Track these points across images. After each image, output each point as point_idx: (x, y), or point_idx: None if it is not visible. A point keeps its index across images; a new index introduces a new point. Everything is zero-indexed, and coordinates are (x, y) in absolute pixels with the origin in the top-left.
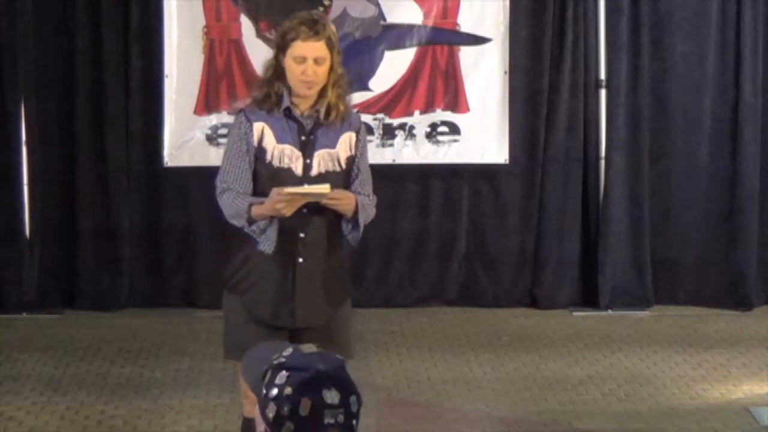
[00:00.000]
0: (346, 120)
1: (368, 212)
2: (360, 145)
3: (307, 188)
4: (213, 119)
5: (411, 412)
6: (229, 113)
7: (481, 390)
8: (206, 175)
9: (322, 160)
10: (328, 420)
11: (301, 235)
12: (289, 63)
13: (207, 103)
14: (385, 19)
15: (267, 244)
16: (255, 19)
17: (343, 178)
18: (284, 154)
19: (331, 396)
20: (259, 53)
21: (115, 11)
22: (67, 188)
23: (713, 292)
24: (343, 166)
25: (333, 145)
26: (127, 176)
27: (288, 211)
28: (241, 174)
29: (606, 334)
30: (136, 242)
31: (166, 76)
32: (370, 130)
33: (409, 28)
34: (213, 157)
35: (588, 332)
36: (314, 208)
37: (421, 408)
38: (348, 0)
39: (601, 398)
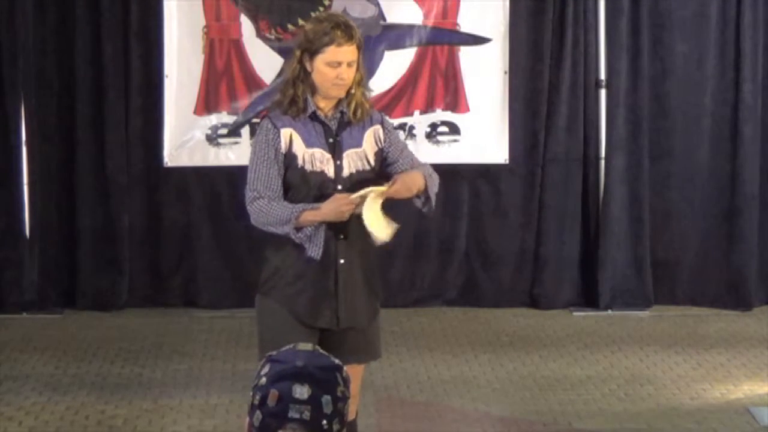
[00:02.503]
0: (367, 117)
1: (434, 180)
2: (388, 133)
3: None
4: (213, 119)
5: (411, 412)
6: (229, 113)
7: (481, 390)
8: (206, 175)
9: (351, 161)
10: (293, 414)
11: (341, 236)
12: (320, 67)
13: (207, 103)
14: (385, 19)
15: (315, 250)
16: (255, 19)
17: (373, 176)
18: (315, 158)
19: (301, 391)
20: (259, 53)
21: (115, 11)
22: (67, 188)
23: (713, 292)
24: (372, 163)
25: (359, 144)
26: (127, 176)
27: (349, 214)
28: (270, 181)
29: (606, 334)
30: (136, 242)
31: (166, 76)
32: None
33: (409, 28)
34: (213, 157)
35: (588, 332)
36: None
37: (421, 408)
38: (348, 0)
39: (601, 398)
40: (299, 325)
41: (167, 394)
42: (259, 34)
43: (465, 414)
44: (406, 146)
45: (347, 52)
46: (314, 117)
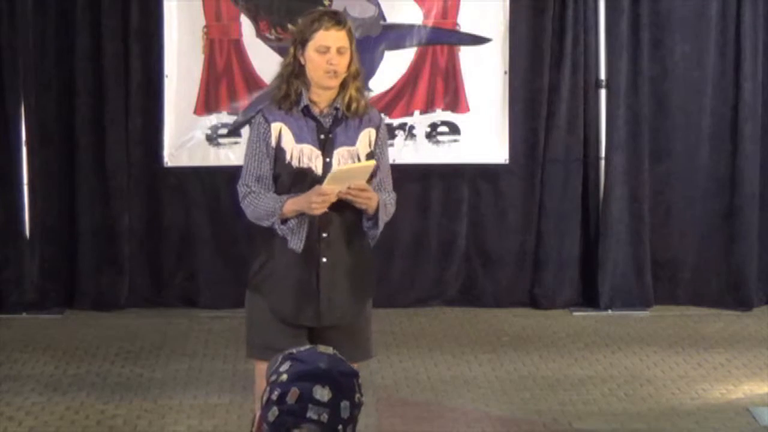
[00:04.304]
0: (365, 116)
1: (389, 211)
2: (380, 142)
3: (352, 165)
4: (213, 119)
5: (411, 412)
6: (229, 113)
7: (481, 390)
8: (206, 175)
9: (341, 158)
10: (311, 415)
11: (324, 234)
12: (311, 55)
13: (207, 103)
14: (385, 19)
15: (297, 242)
16: (255, 19)
17: None
18: (303, 154)
19: (322, 393)
20: (259, 53)
21: (115, 11)
22: (67, 188)
23: (713, 292)
24: None
25: (353, 143)
26: (127, 176)
27: (319, 210)
28: (261, 175)
29: (606, 334)
30: (136, 242)
31: (166, 76)
32: None
33: (409, 28)
34: (213, 157)
35: (588, 332)
36: (336, 207)
37: (421, 408)
38: (348, 0)
39: (601, 398)
40: (283, 324)
41: (167, 394)
42: (259, 34)
43: (465, 414)
44: (388, 171)
45: (336, 37)
46: (307, 112)
